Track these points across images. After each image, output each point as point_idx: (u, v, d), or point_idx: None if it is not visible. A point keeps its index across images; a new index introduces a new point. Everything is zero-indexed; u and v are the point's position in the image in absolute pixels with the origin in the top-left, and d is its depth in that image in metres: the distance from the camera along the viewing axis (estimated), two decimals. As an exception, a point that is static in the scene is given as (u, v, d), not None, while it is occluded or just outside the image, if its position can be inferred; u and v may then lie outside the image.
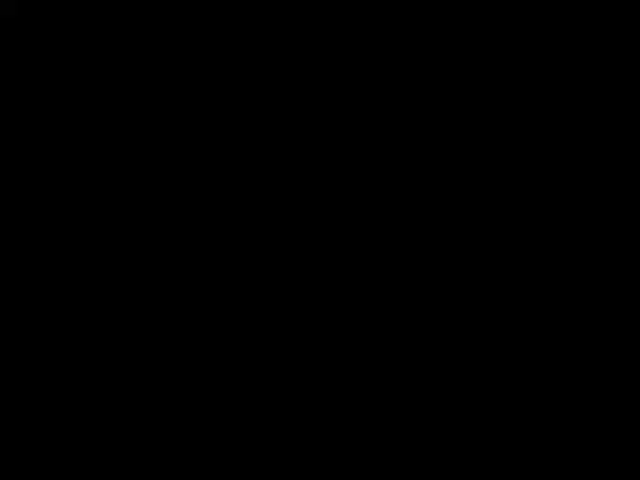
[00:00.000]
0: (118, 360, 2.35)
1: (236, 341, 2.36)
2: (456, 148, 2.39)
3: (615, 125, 2.38)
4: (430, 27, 2.38)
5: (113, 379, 2.35)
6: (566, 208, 2.38)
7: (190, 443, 2.35)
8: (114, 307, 2.35)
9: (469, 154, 2.39)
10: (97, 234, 2.36)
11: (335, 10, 2.37)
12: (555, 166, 2.38)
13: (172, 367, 2.36)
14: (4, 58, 2.36)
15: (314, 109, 2.38)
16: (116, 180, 2.37)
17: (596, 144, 2.38)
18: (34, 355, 2.35)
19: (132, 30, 2.37)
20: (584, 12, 2.37)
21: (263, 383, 2.36)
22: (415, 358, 2.37)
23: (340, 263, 2.38)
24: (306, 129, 2.39)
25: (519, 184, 2.39)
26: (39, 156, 2.37)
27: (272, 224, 2.37)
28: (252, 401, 2.36)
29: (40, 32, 2.37)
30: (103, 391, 2.35)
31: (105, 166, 2.37)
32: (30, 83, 2.37)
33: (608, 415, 2.35)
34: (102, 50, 2.37)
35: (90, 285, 2.36)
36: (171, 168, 2.38)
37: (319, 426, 2.35)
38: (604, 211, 2.37)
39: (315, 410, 2.36)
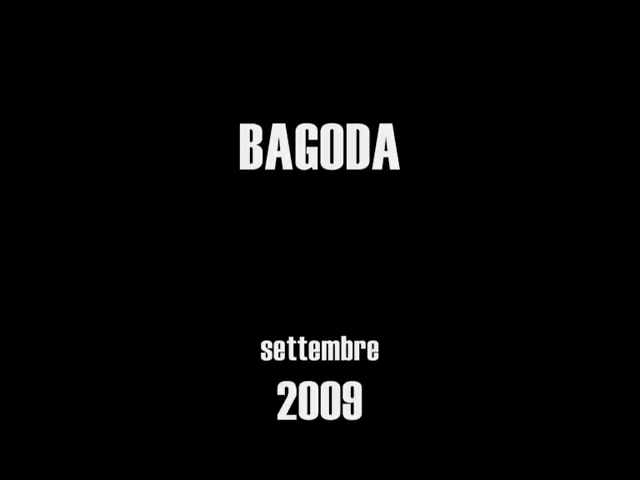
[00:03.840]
0: (117, 359, 2.36)
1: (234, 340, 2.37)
2: (456, 149, 2.39)
3: (615, 125, 2.38)
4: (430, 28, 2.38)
5: (112, 378, 2.35)
6: (566, 208, 2.38)
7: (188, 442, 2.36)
8: (112, 306, 2.35)
9: (470, 155, 2.39)
10: (90, 232, 2.36)
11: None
12: (555, 166, 2.39)
13: (171, 366, 2.36)
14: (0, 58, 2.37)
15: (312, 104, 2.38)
16: (111, 180, 2.37)
17: (596, 144, 2.38)
18: (34, 354, 2.35)
19: (127, 30, 2.37)
20: (584, 12, 2.37)
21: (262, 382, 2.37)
22: (415, 357, 2.38)
23: (339, 262, 2.38)
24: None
25: (519, 184, 2.39)
26: (34, 154, 2.37)
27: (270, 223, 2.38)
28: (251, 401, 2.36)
29: (35, 32, 2.36)
30: (102, 391, 2.35)
31: (100, 166, 2.37)
32: (25, 83, 2.37)
33: (608, 415, 2.36)
34: (97, 50, 2.37)
35: (88, 284, 2.36)
36: (165, 168, 2.38)
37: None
38: (604, 211, 2.38)
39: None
